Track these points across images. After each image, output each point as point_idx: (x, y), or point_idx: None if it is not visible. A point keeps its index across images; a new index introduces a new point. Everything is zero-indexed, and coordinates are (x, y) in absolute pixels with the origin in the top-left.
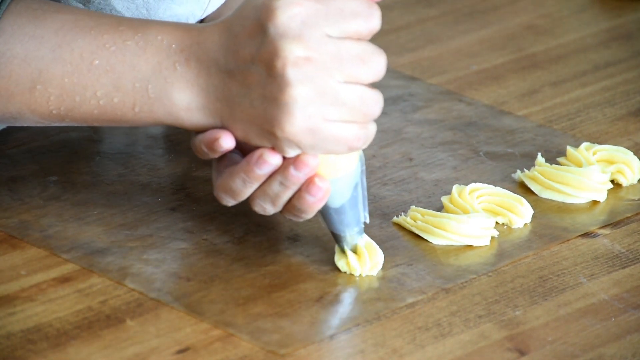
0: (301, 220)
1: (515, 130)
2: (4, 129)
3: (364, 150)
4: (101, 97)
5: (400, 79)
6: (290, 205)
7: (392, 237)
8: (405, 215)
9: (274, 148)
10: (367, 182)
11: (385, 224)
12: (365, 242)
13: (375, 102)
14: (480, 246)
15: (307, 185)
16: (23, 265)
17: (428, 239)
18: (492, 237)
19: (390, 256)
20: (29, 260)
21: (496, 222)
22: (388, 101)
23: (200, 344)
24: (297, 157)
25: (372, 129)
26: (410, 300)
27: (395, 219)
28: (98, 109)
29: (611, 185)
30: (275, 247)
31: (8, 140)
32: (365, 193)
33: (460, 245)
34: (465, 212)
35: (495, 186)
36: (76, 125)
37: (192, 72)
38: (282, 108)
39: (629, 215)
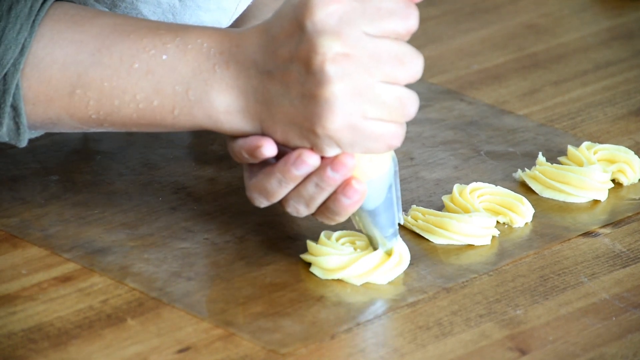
0: (333, 223)
1: (516, 130)
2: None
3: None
4: (140, 100)
5: None
6: (324, 207)
7: None
8: (406, 215)
9: (313, 148)
10: None
11: None
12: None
13: (412, 102)
14: (481, 245)
15: (343, 187)
16: (24, 264)
17: (429, 238)
18: (493, 237)
19: None
20: (30, 260)
21: (497, 222)
22: None
23: (201, 344)
24: (334, 158)
25: (405, 128)
26: (411, 299)
27: None
28: (137, 113)
29: (612, 185)
30: (276, 247)
31: None
32: (399, 194)
33: (461, 245)
34: (466, 211)
35: (496, 185)
36: (115, 130)
37: (232, 75)
38: (322, 105)
39: (629, 214)
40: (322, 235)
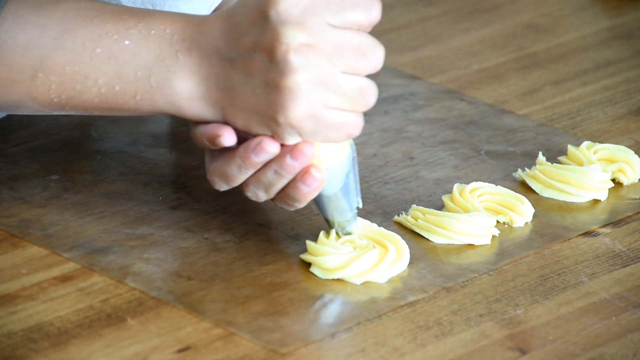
0: (293, 209)
1: (516, 129)
2: (4, 118)
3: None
4: (102, 85)
5: (401, 77)
6: (284, 193)
7: None
8: (406, 214)
9: (274, 136)
10: (368, 181)
11: (386, 223)
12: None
13: (372, 92)
14: (481, 245)
15: (302, 175)
16: (24, 264)
17: (429, 238)
18: (493, 236)
19: None
20: (30, 259)
21: (497, 221)
22: (389, 100)
23: (201, 343)
24: (294, 146)
25: (363, 118)
26: (411, 299)
27: (396, 217)
28: (99, 97)
29: (612, 184)
30: (276, 246)
31: (9, 139)
32: (358, 179)
33: (461, 244)
34: (466, 211)
35: (496, 185)
36: (77, 114)
37: (194, 61)
38: (285, 94)
39: (630, 214)
40: (321, 234)
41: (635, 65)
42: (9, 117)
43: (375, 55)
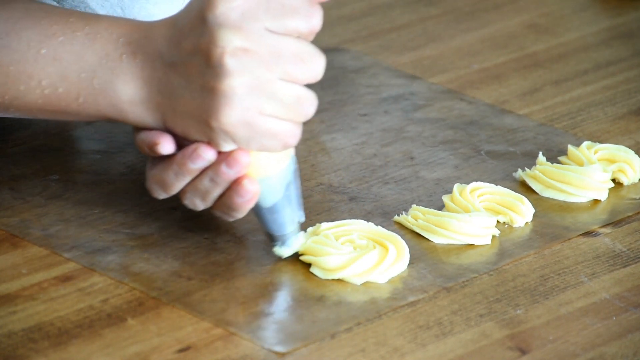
0: (232, 219)
1: (516, 129)
2: (4, 118)
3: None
4: (46, 86)
5: (401, 77)
6: (221, 202)
7: None
8: (406, 214)
9: (209, 142)
10: (369, 181)
11: (386, 223)
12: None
13: (310, 102)
14: (481, 245)
15: (235, 185)
16: (24, 264)
17: (429, 238)
18: (493, 236)
19: None
20: (30, 259)
21: (497, 221)
22: (389, 100)
23: (201, 343)
24: (229, 154)
25: (301, 128)
26: (411, 299)
27: (396, 217)
28: (42, 99)
29: (612, 184)
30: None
31: (9, 139)
32: (300, 192)
33: (462, 244)
34: (466, 211)
35: (496, 185)
36: (21, 116)
37: (138, 65)
38: (219, 98)
39: (630, 214)
40: (321, 233)
41: (635, 65)
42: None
43: (315, 64)
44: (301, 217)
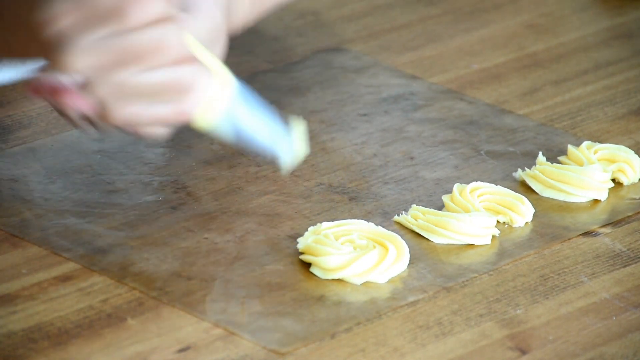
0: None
1: (516, 129)
2: (4, 117)
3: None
4: None
5: (401, 77)
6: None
7: None
8: (406, 214)
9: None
10: (369, 181)
11: (386, 223)
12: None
13: (190, 75)
14: (481, 245)
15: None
16: (24, 264)
17: (429, 238)
18: (493, 236)
19: None
20: (30, 259)
21: (497, 221)
22: (389, 100)
23: (201, 343)
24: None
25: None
26: (411, 299)
27: (396, 217)
28: None
29: (612, 184)
30: (276, 246)
31: (9, 139)
32: (268, 108)
33: (462, 244)
34: (466, 210)
35: (496, 185)
36: None
37: None
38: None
39: (630, 214)
40: (317, 231)
41: (635, 65)
42: (8, 117)
43: (166, 42)
44: (286, 129)
